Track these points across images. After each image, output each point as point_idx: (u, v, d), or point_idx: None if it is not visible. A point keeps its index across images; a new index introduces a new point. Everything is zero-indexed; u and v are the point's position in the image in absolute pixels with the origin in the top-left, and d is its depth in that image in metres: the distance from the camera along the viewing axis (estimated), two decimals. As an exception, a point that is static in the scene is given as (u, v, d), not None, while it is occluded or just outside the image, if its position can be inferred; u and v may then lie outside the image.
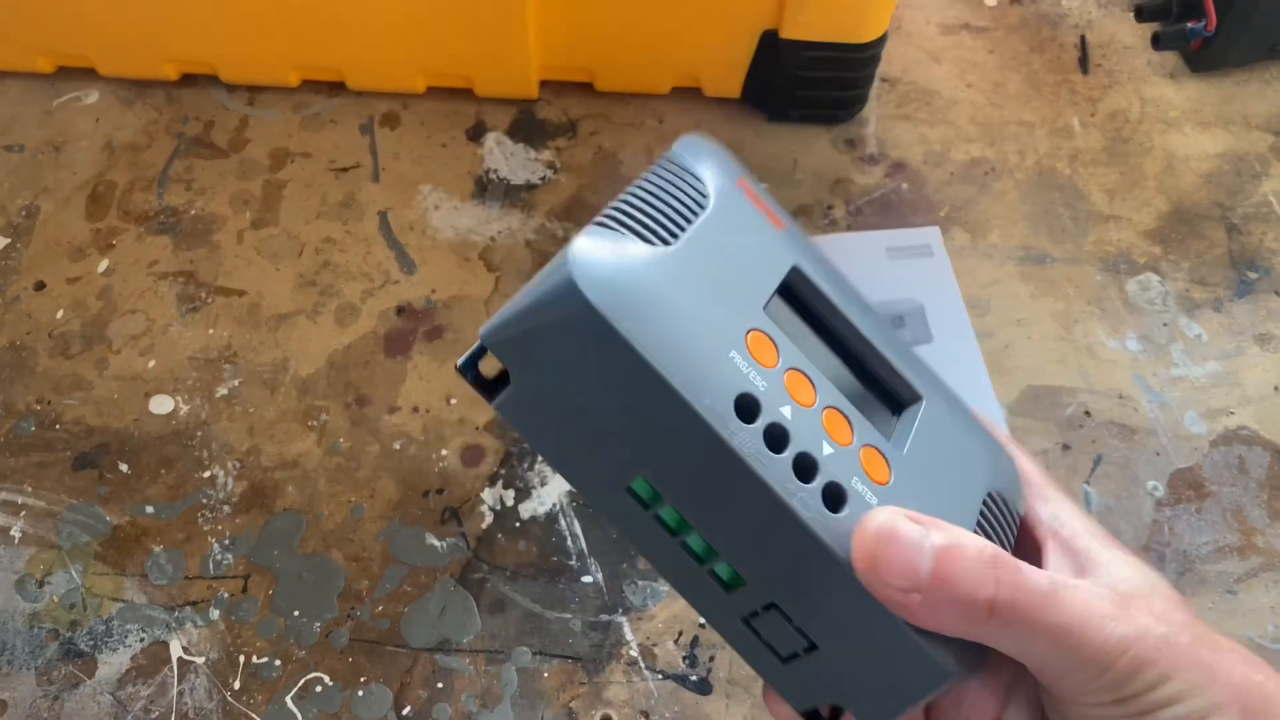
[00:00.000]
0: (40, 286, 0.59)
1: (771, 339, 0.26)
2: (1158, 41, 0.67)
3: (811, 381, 0.26)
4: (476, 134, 0.66)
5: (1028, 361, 0.58)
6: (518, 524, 0.52)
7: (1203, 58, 0.69)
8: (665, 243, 0.26)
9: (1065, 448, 0.55)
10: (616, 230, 0.25)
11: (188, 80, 0.67)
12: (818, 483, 0.25)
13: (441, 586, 0.51)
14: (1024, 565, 0.25)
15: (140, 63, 0.65)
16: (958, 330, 0.58)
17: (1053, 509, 0.30)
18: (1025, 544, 0.30)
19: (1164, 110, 0.68)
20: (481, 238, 0.61)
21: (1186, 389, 0.57)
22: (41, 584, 0.50)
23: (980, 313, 0.59)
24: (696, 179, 0.28)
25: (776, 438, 0.25)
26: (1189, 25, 0.66)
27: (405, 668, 0.49)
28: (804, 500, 0.24)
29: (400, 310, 0.59)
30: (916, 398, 0.30)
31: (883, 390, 0.30)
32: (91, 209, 0.62)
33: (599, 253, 0.24)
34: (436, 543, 0.52)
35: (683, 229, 0.26)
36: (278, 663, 0.49)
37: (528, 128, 0.66)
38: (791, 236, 0.30)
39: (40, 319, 0.58)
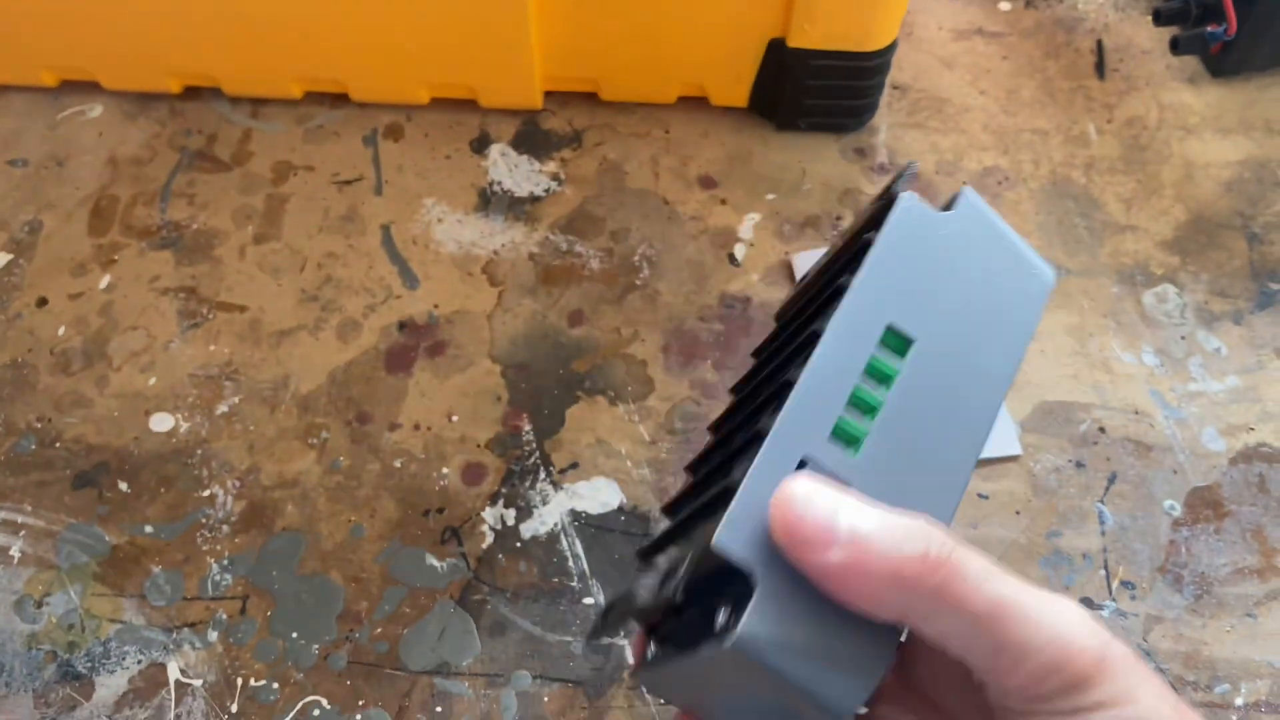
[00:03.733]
0: (42, 303, 0.59)
1: None
2: (1176, 46, 0.65)
3: None
4: (481, 145, 0.65)
5: (1041, 376, 0.57)
6: (518, 544, 0.52)
7: (1223, 62, 0.67)
8: None
9: (1079, 465, 0.54)
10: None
11: (191, 93, 0.66)
12: None
13: (441, 608, 0.50)
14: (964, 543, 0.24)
15: (143, 76, 0.64)
16: (969, 344, 0.57)
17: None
18: None
19: (1183, 116, 0.67)
20: (485, 251, 0.61)
21: (1205, 404, 0.56)
22: (40, 604, 0.50)
23: (992, 326, 0.58)
24: None
25: None
26: (1209, 29, 0.64)
27: (404, 691, 0.48)
28: None
29: (402, 325, 0.58)
30: None
31: None
32: (94, 224, 0.61)
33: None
34: (436, 563, 0.51)
35: None
36: (275, 685, 0.48)
37: (532, 139, 0.65)
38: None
39: (42, 335, 0.57)
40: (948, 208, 0.29)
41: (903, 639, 0.25)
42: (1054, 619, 0.23)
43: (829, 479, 0.25)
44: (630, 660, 0.49)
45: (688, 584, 0.26)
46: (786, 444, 0.26)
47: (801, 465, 0.26)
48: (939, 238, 0.28)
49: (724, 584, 0.25)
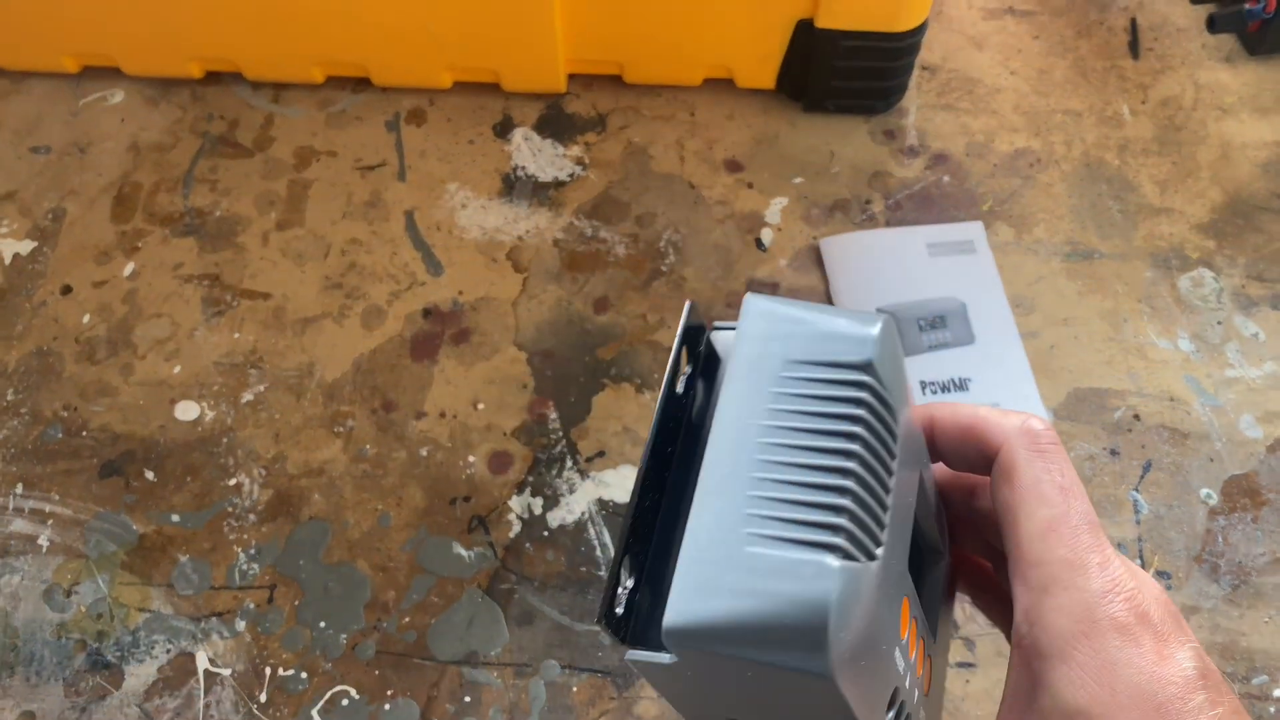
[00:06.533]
0: (67, 290, 0.58)
1: (909, 601, 0.25)
2: (1213, 24, 0.64)
3: (916, 622, 0.25)
4: (504, 130, 0.64)
5: (1074, 362, 0.56)
6: (546, 533, 0.51)
7: (1261, 40, 0.66)
8: (872, 558, 0.22)
9: (1113, 453, 0.53)
10: (848, 555, 0.22)
11: (212, 78, 0.66)
12: None
13: (469, 597, 0.50)
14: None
15: (165, 61, 0.64)
16: (1001, 330, 0.56)
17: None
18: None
19: (1219, 96, 0.65)
20: (509, 237, 0.60)
21: (1242, 391, 0.55)
22: (69, 594, 0.50)
23: (1025, 311, 0.57)
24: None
25: (898, 712, 0.25)
26: (1246, 6, 0.62)
27: (432, 681, 0.48)
28: None
29: (427, 312, 0.58)
30: (938, 556, 0.30)
31: (915, 558, 0.27)
32: (117, 211, 0.61)
33: (845, 600, 0.21)
34: (464, 552, 0.51)
35: (883, 532, 0.23)
36: (304, 675, 0.48)
37: (556, 122, 0.64)
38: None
39: (67, 324, 0.57)
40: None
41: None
42: None
43: None
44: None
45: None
46: None
47: None
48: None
49: None
